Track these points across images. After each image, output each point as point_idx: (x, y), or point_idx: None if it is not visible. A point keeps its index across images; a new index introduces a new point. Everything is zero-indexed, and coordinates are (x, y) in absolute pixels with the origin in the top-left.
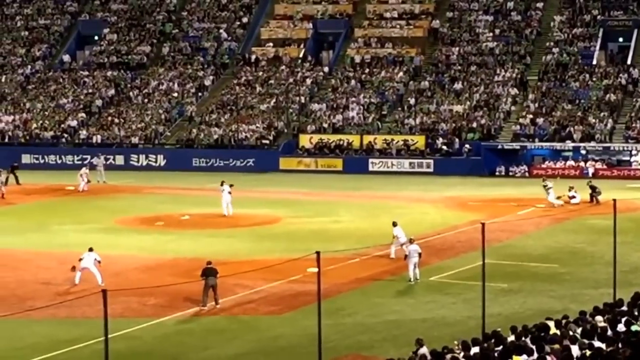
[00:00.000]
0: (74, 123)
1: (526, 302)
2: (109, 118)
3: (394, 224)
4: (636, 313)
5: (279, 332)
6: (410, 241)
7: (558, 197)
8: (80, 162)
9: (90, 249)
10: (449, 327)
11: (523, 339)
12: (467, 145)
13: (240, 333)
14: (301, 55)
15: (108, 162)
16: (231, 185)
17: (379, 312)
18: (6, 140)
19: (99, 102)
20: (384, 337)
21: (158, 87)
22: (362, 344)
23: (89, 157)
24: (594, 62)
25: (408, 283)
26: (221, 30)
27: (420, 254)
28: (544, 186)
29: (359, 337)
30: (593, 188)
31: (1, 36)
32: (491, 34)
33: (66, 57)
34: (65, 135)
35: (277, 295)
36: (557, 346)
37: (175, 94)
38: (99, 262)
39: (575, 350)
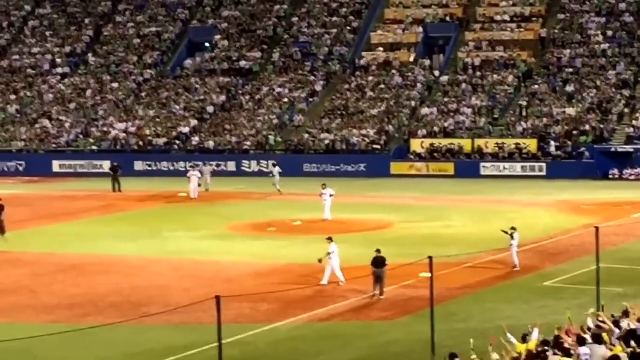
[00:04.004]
0: (185, 130)
1: None
2: (221, 124)
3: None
4: None
5: (391, 338)
6: (513, 229)
7: None
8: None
9: (330, 239)
10: None
11: None
12: (580, 149)
13: (353, 339)
14: (412, 60)
15: (220, 169)
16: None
17: (492, 318)
18: (119, 147)
19: (210, 109)
20: (498, 343)
21: (269, 93)
22: (475, 350)
23: (201, 164)
24: None
25: (514, 270)
26: (331, 36)
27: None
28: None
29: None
30: None
31: (114, 44)
32: (603, 36)
33: (178, 64)
34: (178, 142)
35: (389, 300)
36: None
37: (286, 100)
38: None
39: None
